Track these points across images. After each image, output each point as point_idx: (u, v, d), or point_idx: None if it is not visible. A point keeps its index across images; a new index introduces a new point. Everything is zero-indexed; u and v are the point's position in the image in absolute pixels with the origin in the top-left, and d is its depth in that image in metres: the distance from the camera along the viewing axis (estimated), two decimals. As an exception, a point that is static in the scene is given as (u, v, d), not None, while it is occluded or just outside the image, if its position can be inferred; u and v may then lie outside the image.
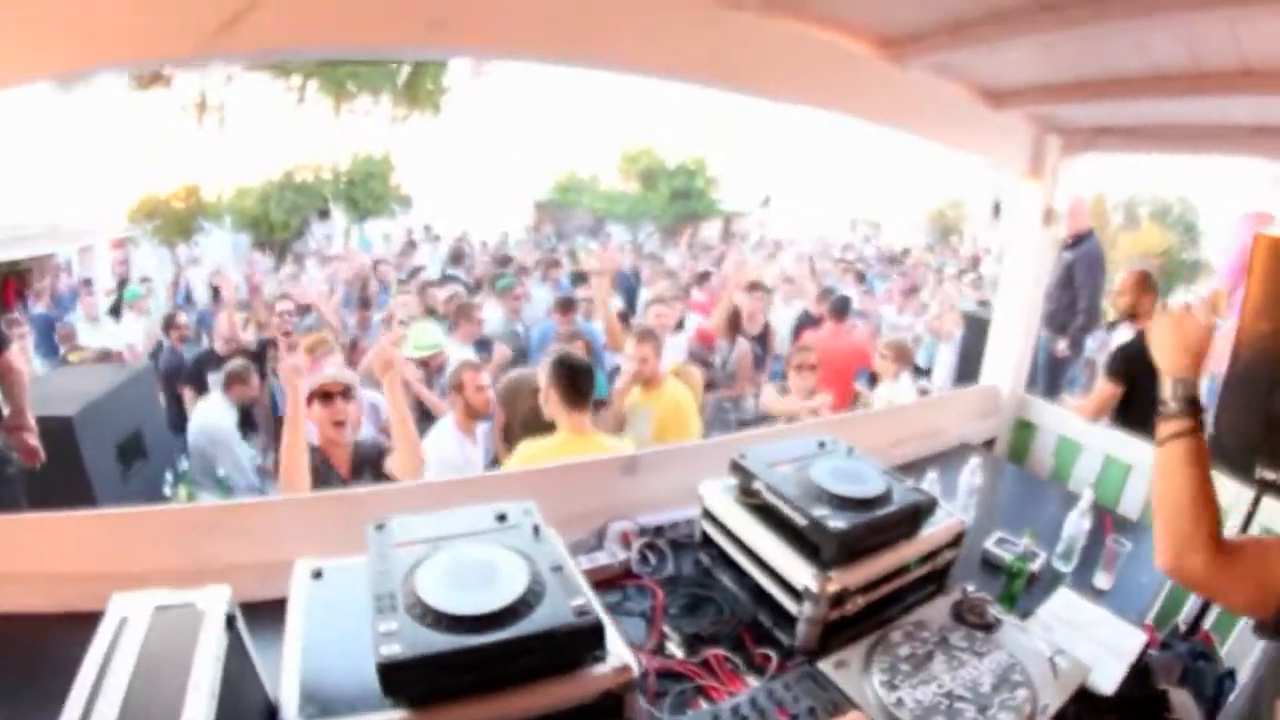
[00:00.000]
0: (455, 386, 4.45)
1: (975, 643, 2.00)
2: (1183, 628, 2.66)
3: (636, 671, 1.49)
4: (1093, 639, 2.22)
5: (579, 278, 9.26)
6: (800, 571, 1.95)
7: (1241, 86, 2.68)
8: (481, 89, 22.85)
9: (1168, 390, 1.66)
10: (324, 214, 20.98)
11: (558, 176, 25.66)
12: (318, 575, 1.61)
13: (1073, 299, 6.06)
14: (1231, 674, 2.49)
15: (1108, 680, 2.11)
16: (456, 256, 12.29)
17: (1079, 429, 4.16)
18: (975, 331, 6.59)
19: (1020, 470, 4.21)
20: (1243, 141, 3.49)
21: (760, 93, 2.73)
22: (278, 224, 20.07)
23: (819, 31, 2.65)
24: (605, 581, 2.25)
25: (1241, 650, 2.68)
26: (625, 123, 25.27)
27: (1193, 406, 1.63)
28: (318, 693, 1.32)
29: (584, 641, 1.44)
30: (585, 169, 25.97)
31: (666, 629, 2.04)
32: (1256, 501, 2.47)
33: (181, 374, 6.60)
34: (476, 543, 1.60)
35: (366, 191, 20.94)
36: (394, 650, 1.26)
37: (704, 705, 1.78)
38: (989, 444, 4.25)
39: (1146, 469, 3.53)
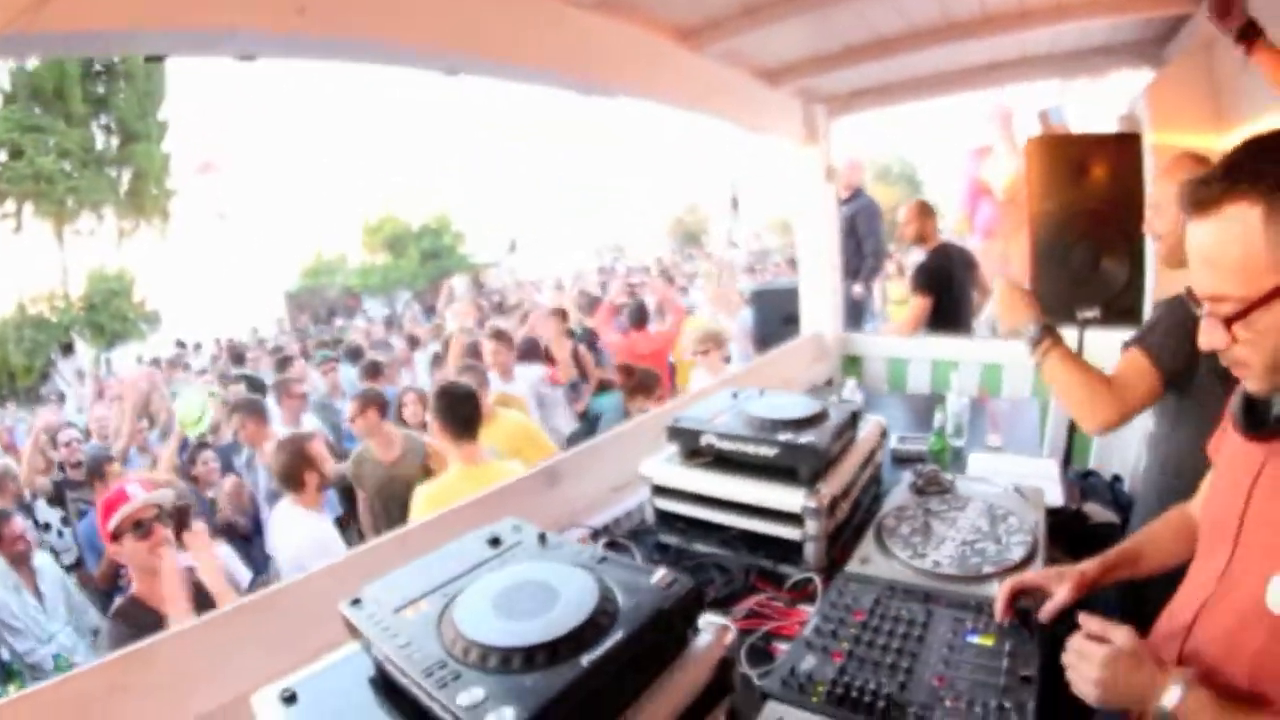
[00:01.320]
0: (304, 461, 3.85)
1: (951, 503, 2.16)
2: (1059, 464, 3.14)
3: (734, 631, 1.40)
4: (1020, 475, 2.41)
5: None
6: (790, 496, 1.99)
7: (981, 31, 3.11)
8: (209, 186, 21.73)
9: (1031, 331, 2.18)
10: (68, 348, 19.15)
11: (304, 263, 24.71)
12: (291, 699, 1.13)
13: (858, 246, 6.53)
14: (1117, 477, 2.89)
15: (1054, 497, 2.45)
16: (238, 356, 11.67)
17: (900, 348, 4.52)
18: (764, 302, 6.98)
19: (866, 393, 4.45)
20: (979, 78, 4.02)
21: (577, 84, 2.73)
22: (19, 369, 18.22)
23: (625, 24, 2.72)
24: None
25: (1106, 452, 3.51)
26: (364, 196, 24.73)
27: (1047, 330, 2.17)
28: None
29: (689, 612, 1.28)
30: (331, 250, 25.14)
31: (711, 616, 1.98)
32: (1081, 336, 3.02)
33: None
34: (491, 572, 1.32)
35: (110, 313, 19.40)
36: (505, 717, 0.94)
37: (785, 647, 1.66)
38: (827, 384, 4.50)
39: (972, 360, 4.09)
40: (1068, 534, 2.85)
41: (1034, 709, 1.32)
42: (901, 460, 2.84)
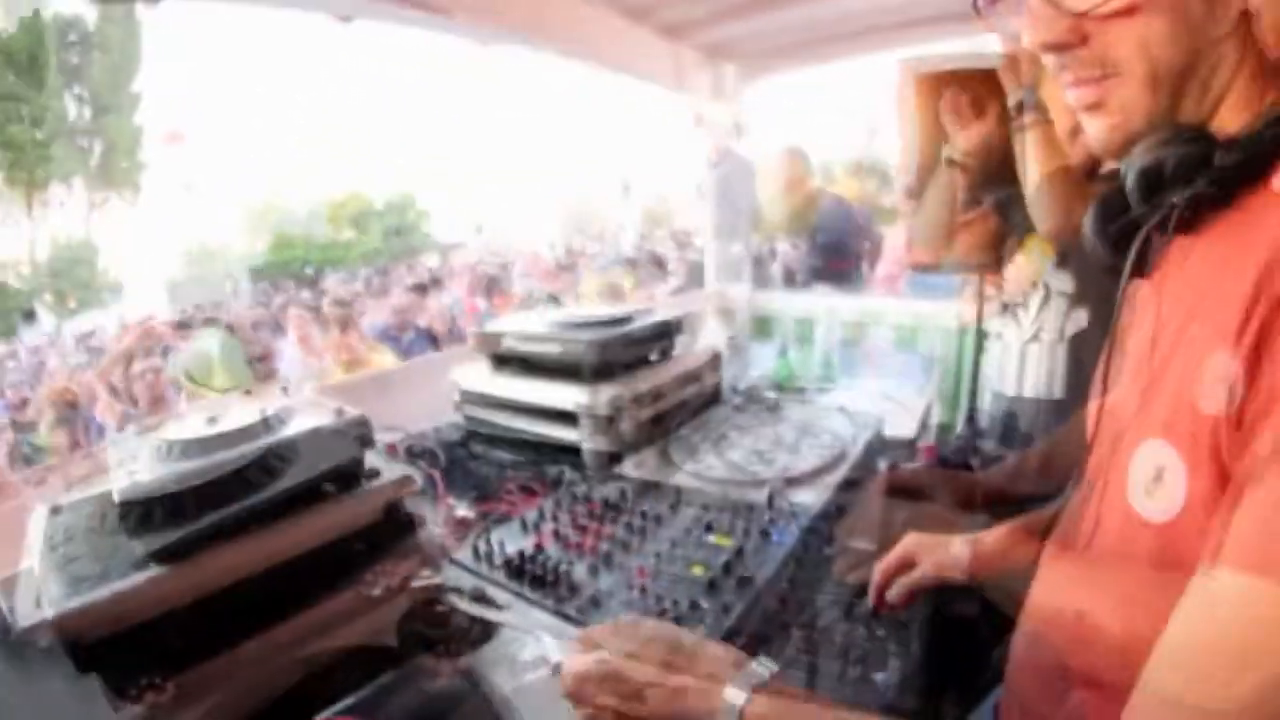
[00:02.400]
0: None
1: (765, 418, 2.03)
2: (961, 425, 3.02)
3: (419, 482, 1.33)
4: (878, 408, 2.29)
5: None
6: (569, 394, 1.87)
7: None
8: (180, 158, 21.58)
9: (1019, 95, 1.88)
10: (29, 316, 18.91)
11: (268, 240, 24.47)
12: (56, 511, 1.27)
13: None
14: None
15: (904, 427, 2.31)
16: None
17: (810, 308, 4.36)
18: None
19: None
20: (890, 34, 3.77)
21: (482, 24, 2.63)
22: (-18, 336, 17.99)
23: None
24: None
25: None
26: (330, 172, 24.72)
27: (1039, 107, 1.83)
28: (62, 578, 1.03)
29: (349, 444, 1.25)
30: (295, 226, 24.92)
31: (451, 500, 1.83)
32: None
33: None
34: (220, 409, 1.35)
35: (73, 281, 19.11)
36: (136, 480, 1.05)
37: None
38: (732, 340, 4.36)
39: (884, 322, 4.01)
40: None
41: (742, 612, 1.18)
42: (755, 398, 2.66)
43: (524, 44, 2.94)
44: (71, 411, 4.25)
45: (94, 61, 20.09)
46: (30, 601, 0.98)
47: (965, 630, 1.37)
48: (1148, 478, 0.75)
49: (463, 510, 1.73)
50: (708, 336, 3.08)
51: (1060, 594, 0.96)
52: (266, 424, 1.22)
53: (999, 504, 1.53)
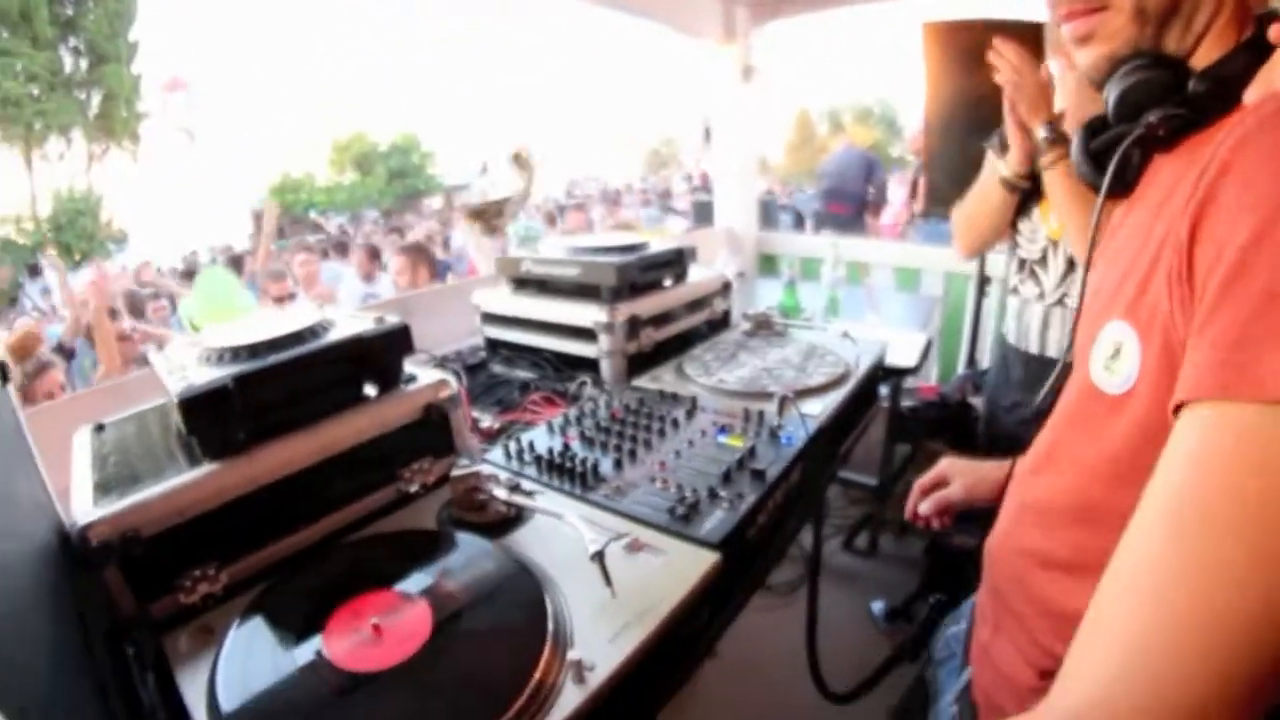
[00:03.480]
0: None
1: (773, 341, 2.12)
2: (962, 366, 3.08)
3: (455, 386, 1.43)
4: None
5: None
6: (589, 313, 1.98)
7: None
8: (177, 104, 21.39)
9: (1043, 132, 1.89)
10: (34, 269, 18.91)
11: (271, 182, 24.29)
12: (100, 429, 1.38)
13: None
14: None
15: (906, 357, 2.36)
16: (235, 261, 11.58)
17: (814, 248, 4.43)
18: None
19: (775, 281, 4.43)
20: None
21: None
22: (-14, 291, 17.99)
23: None
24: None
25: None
26: (333, 113, 24.47)
27: (1062, 138, 1.87)
28: (114, 483, 1.11)
29: (394, 346, 1.35)
30: (298, 168, 24.78)
31: (475, 413, 1.93)
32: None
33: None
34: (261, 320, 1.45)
35: (77, 232, 19.10)
36: (191, 382, 1.11)
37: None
38: (739, 276, 4.43)
39: (886, 263, 4.14)
40: (952, 425, 2.84)
41: (756, 501, 1.26)
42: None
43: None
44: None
45: (89, 12, 19.86)
46: (86, 501, 1.05)
47: (962, 562, 1.46)
48: (1106, 354, 0.80)
49: (487, 421, 1.84)
50: (718, 268, 3.16)
51: (1021, 484, 1.05)
52: (312, 330, 1.30)
53: None
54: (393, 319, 1.36)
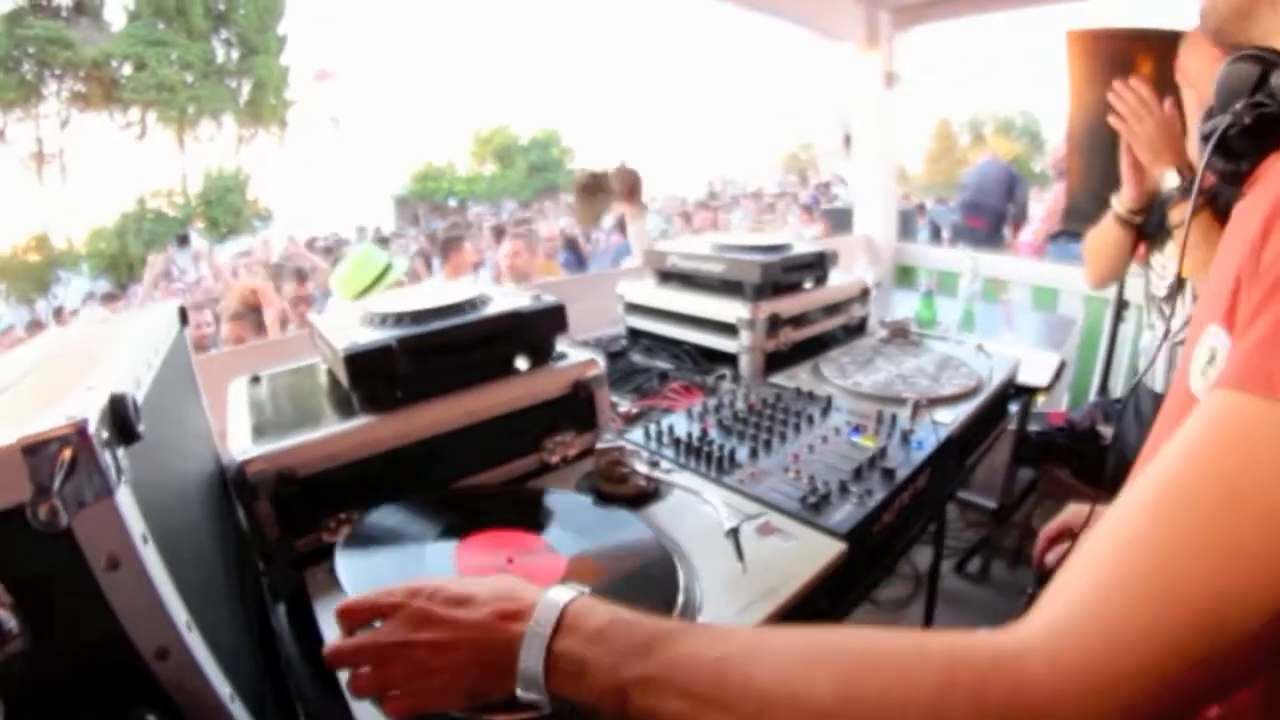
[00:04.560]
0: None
1: (908, 350, 2.14)
2: (1094, 394, 3.04)
3: (602, 365, 1.52)
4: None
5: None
6: (731, 309, 2.05)
7: None
8: (328, 93, 22.30)
9: (1172, 180, 1.86)
10: (184, 240, 19.87)
11: (413, 170, 25.04)
12: (256, 380, 1.53)
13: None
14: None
15: (1038, 376, 2.31)
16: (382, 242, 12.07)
17: (952, 262, 4.38)
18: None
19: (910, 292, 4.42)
20: None
21: None
22: (138, 259, 18.86)
23: None
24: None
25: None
26: (476, 106, 25.04)
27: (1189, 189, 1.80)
28: (271, 427, 1.23)
29: (550, 324, 1.45)
30: (441, 158, 25.44)
31: (614, 399, 1.99)
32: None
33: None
34: (417, 292, 1.60)
35: (225, 208, 20.15)
36: (355, 340, 1.22)
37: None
38: (877, 285, 4.42)
39: (1024, 282, 4.10)
40: (1079, 454, 2.78)
41: (884, 498, 1.30)
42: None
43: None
44: (250, 311, 4.60)
45: (239, 6, 20.91)
46: (245, 440, 1.16)
47: None
48: (1204, 360, 0.77)
49: (625, 405, 1.93)
50: (857, 274, 3.19)
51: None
52: (472, 303, 1.41)
53: None
54: (549, 298, 1.45)
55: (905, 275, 4.66)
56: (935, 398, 1.75)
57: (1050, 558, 1.39)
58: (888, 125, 4.54)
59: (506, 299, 1.46)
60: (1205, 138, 0.88)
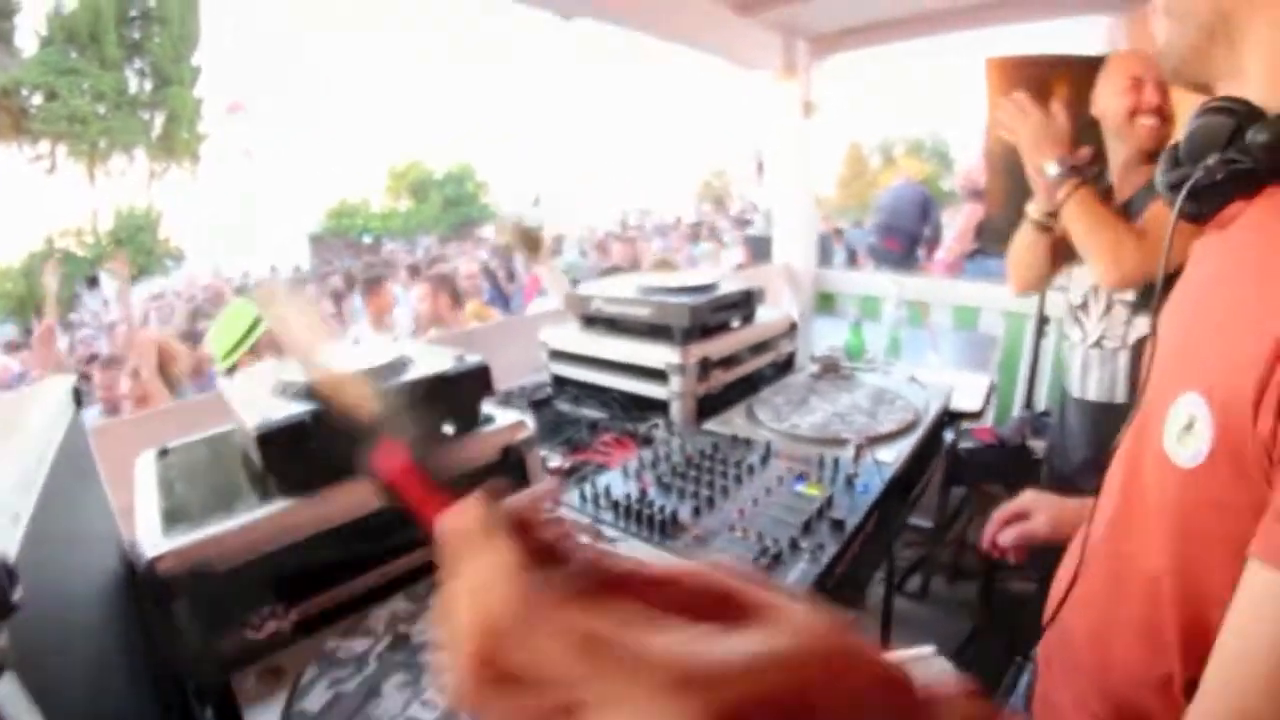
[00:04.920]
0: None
1: (841, 385, 2.12)
2: (1018, 409, 3.06)
3: (532, 427, 1.43)
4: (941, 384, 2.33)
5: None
6: (660, 354, 1.98)
7: None
8: (238, 128, 21.92)
9: (1054, 170, 1.91)
10: (93, 281, 19.34)
11: (328, 206, 24.68)
12: (164, 454, 1.38)
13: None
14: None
15: (970, 400, 2.36)
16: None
17: (873, 286, 4.40)
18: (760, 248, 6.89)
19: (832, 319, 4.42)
20: (967, 17, 3.77)
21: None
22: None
23: None
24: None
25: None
26: (390, 141, 24.89)
27: (1075, 170, 1.90)
28: (183, 513, 1.11)
29: (475, 385, 1.36)
30: (355, 194, 25.15)
31: (544, 451, 1.93)
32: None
33: None
34: (336, 353, 1.51)
35: (136, 248, 19.54)
36: (268, 417, 1.10)
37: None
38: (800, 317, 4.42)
39: (945, 302, 4.02)
40: (1010, 469, 2.80)
41: (837, 552, 1.27)
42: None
43: (601, 18, 2.99)
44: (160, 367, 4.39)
45: (154, 35, 20.44)
46: (154, 531, 1.04)
47: (1019, 608, 1.44)
48: (1180, 426, 0.77)
49: (556, 461, 1.85)
50: (783, 309, 3.16)
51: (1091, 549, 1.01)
52: (392, 367, 1.31)
53: None
54: (474, 358, 1.37)
55: (826, 302, 4.66)
56: (875, 436, 1.73)
57: (1002, 539, 1.38)
58: (805, 154, 4.54)
59: (428, 360, 1.37)
60: (1173, 187, 0.86)
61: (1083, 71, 2.71)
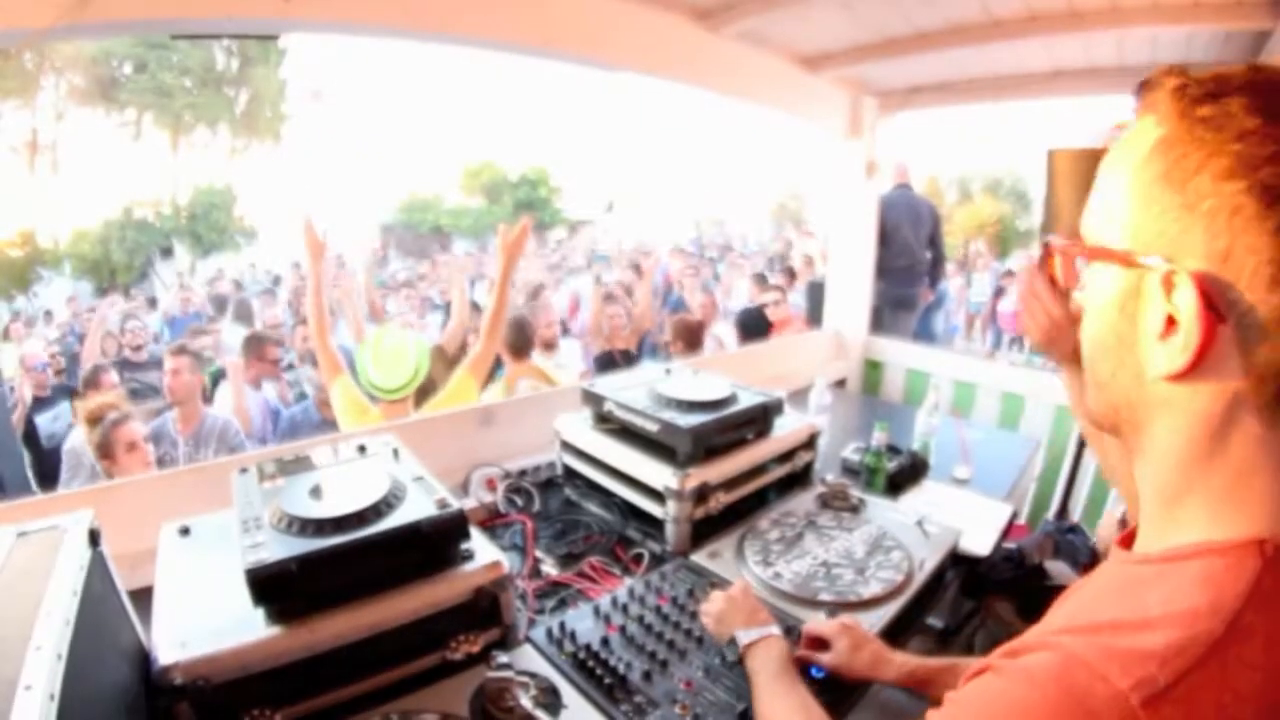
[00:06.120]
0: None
1: (843, 521, 2.09)
2: (1052, 515, 2.96)
3: (507, 568, 1.49)
4: (960, 515, 2.32)
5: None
6: (660, 474, 1.99)
7: (1030, 31, 2.87)
8: (322, 113, 22.38)
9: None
10: (167, 252, 19.95)
11: (400, 198, 25.06)
12: (185, 532, 1.55)
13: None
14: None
15: (981, 544, 2.25)
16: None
17: (923, 360, 4.36)
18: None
19: (874, 399, 4.41)
20: (1041, 86, 3.73)
21: (591, 60, 2.76)
22: (120, 266, 18.99)
23: (637, 6, 2.70)
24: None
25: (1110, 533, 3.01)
26: (466, 140, 25.11)
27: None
28: (194, 629, 1.26)
29: (450, 534, 1.44)
30: (428, 188, 25.42)
31: (539, 554, 2.01)
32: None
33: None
34: (338, 469, 1.62)
35: (209, 224, 20.13)
36: (260, 557, 1.24)
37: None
38: (840, 383, 4.38)
39: (994, 385, 3.97)
40: (1023, 590, 2.73)
41: None
42: (850, 472, 2.71)
43: (663, 77, 3.02)
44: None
45: (242, 14, 21.02)
46: (171, 643, 1.22)
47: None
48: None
49: (548, 566, 1.93)
50: (815, 396, 3.14)
51: None
52: (376, 509, 1.40)
53: None
54: (453, 505, 1.44)
55: (873, 371, 4.62)
56: (855, 602, 1.71)
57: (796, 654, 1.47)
58: (869, 217, 4.52)
59: (414, 501, 1.46)
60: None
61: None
